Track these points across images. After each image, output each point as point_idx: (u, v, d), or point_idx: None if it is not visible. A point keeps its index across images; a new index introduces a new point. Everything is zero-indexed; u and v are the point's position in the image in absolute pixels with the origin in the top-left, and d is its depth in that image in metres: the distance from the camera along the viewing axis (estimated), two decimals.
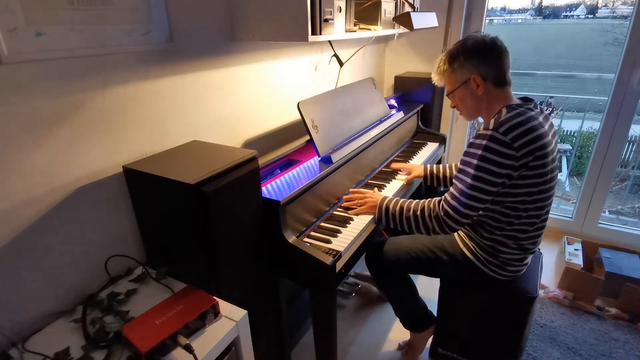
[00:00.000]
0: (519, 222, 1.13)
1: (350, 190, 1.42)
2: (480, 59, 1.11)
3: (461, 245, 1.28)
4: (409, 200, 1.24)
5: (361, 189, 1.43)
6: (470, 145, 1.08)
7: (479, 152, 1.04)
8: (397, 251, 1.37)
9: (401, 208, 1.21)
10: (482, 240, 1.21)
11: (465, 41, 1.14)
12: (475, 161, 1.05)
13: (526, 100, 1.15)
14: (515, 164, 1.02)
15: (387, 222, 1.26)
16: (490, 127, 1.04)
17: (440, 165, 1.59)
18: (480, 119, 1.23)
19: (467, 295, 1.34)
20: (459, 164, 1.13)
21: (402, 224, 1.21)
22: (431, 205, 1.15)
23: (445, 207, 1.11)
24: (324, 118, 1.45)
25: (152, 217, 1.02)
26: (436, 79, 1.24)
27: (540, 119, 1.08)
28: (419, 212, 1.17)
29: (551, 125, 1.14)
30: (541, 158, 1.04)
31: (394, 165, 1.69)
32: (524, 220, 1.13)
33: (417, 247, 1.34)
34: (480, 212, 1.12)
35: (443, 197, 1.15)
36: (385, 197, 1.28)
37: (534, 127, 1.03)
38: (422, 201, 1.19)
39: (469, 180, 1.06)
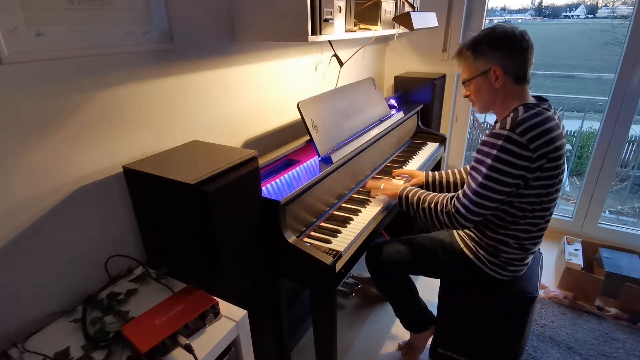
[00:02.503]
0: (524, 222, 1.13)
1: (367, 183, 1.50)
2: (506, 51, 1.07)
3: (462, 246, 1.28)
4: (427, 192, 1.26)
5: (381, 177, 1.45)
6: (484, 143, 1.06)
7: (494, 151, 1.02)
8: (398, 252, 1.37)
9: (418, 198, 1.24)
10: (484, 240, 1.21)
11: (494, 29, 1.09)
12: (489, 160, 1.03)
13: (541, 99, 1.13)
14: (532, 166, 1.01)
15: (406, 210, 1.29)
16: (507, 126, 1.02)
17: (444, 172, 1.55)
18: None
19: (467, 296, 1.34)
20: (471, 162, 1.12)
21: (418, 213, 1.24)
22: (444, 201, 1.17)
23: (457, 204, 1.12)
24: (324, 118, 1.45)
25: (152, 217, 1.02)
26: (456, 63, 1.20)
27: (556, 119, 1.07)
28: (432, 205, 1.19)
29: (562, 127, 1.12)
30: (554, 160, 1.03)
31: (396, 172, 1.65)
32: (529, 220, 1.12)
33: (417, 248, 1.34)
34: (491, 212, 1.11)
35: (456, 193, 1.15)
36: (405, 187, 1.32)
37: (551, 128, 1.02)
38: (438, 195, 1.20)
39: (480, 179, 1.06)
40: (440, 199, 1.18)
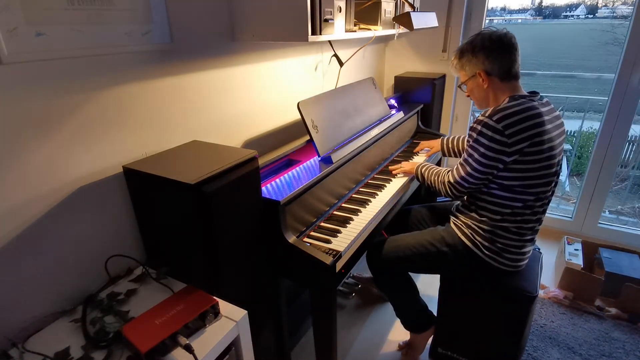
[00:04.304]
0: (522, 205, 1.18)
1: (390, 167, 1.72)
2: (486, 56, 1.20)
3: (460, 235, 1.30)
4: (436, 167, 1.44)
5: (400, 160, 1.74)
6: (472, 128, 1.19)
7: (475, 135, 1.16)
8: (398, 248, 1.38)
9: (428, 172, 1.43)
10: (480, 226, 1.25)
11: (475, 37, 1.23)
12: (471, 142, 1.18)
13: (533, 93, 1.21)
14: (508, 150, 1.10)
15: (422, 182, 1.48)
16: (487, 114, 1.13)
17: (456, 137, 1.71)
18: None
19: (467, 295, 1.34)
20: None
21: (428, 184, 1.42)
22: (443, 173, 1.34)
23: (449, 175, 1.28)
24: (324, 118, 1.45)
25: (152, 217, 1.02)
26: (452, 71, 1.35)
27: (543, 109, 1.13)
28: (436, 177, 1.37)
29: (557, 118, 1.20)
30: (535, 145, 1.10)
31: (418, 149, 1.92)
32: (522, 204, 1.18)
33: (417, 242, 1.36)
34: (482, 188, 1.22)
35: (452, 167, 1.30)
36: (421, 164, 1.52)
37: (530, 116, 1.10)
38: (442, 169, 1.38)
39: (464, 156, 1.21)
40: (442, 172, 1.35)
